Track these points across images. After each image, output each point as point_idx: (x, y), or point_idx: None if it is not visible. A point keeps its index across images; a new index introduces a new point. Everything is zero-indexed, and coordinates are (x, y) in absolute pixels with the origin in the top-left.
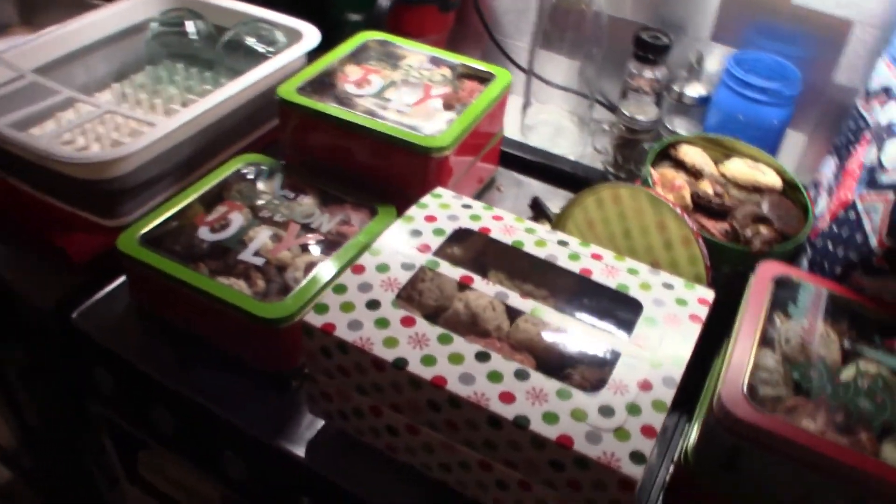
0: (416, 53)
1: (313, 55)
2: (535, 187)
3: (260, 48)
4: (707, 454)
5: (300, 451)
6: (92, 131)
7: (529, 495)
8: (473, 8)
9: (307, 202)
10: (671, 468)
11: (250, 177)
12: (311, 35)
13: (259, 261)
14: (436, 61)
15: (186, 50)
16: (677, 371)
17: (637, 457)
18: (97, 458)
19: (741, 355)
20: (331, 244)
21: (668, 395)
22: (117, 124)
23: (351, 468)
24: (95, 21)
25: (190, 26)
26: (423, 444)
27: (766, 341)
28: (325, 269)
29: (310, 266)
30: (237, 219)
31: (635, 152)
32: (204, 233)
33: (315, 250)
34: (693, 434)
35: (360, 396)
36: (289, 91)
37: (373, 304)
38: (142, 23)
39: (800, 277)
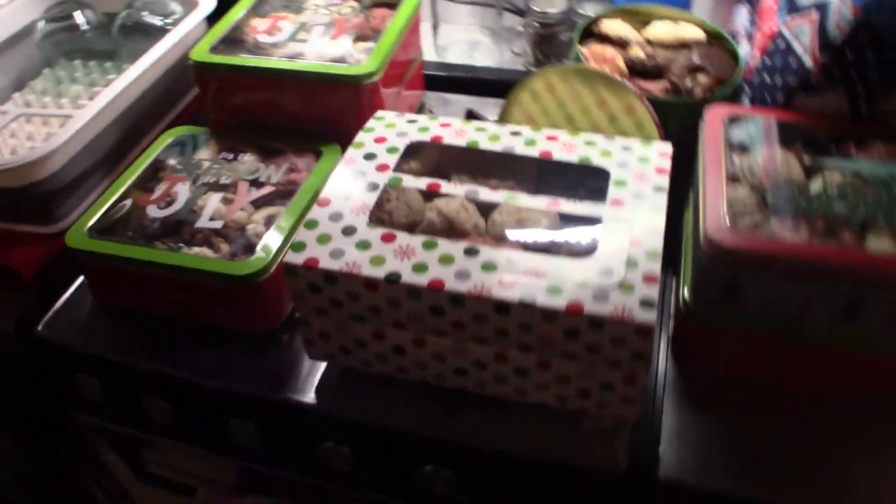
0: None
1: (212, 21)
2: (465, 102)
3: (157, 21)
4: (705, 294)
5: (309, 399)
6: (4, 144)
7: (550, 374)
8: None
9: (248, 159)
10: (671, 322)
11: (183, 149)
12: (206, 0)
13: (217, 224)
14: None
15: (81, 44)
16: (659, 220)
17: (647, 303)
18: (98, 479)
19: (714, 193)
20: (284, 194)
21: (657, 243)
22: (29, 133)
23: (365, 401)
24: None
25: (79, 17)
26: (433, 355)
27: (732, 178)
28: (287, 217)
29: (270, 218)
30: (182, 191)
31: (554, 46)
32: (153, 211)
33: (270, 202)
34: (685, 284)
35: (359, 325)
36: (202, 53)
37: (348, 231)
38: (28, 26)
39: (747, 113)
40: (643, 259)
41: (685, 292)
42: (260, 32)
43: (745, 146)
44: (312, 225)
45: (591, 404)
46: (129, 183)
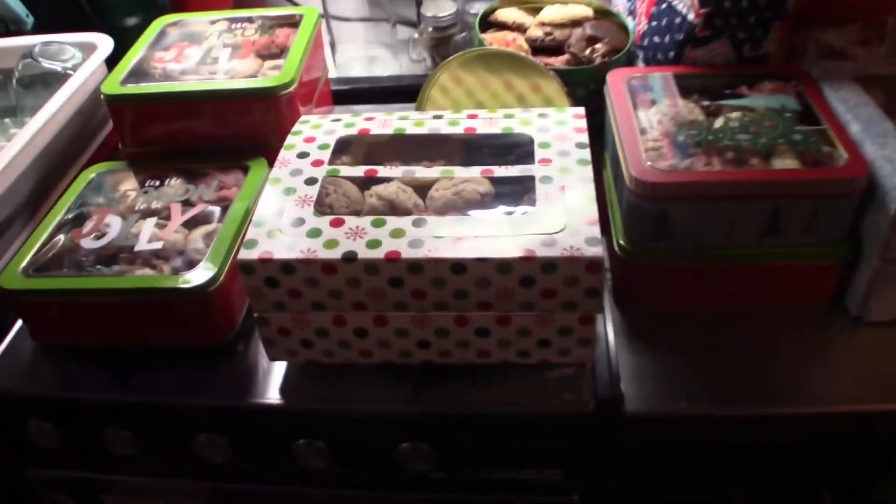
0: (217, 21)
1: (111, 63)
2: (375, 111)
3: (58, 67)
4: (638, 235)
5: (275, 400)
6: None
7: (510, 329)
8: None
9: (176, 183)
10: (610, 272)
11: (105, 184)
12: (104, 42)
13: (156, 245)
14: (239, 20)
15: None
16: (587, 170)
17: (592, 241)
18: None
19: (631, 143)
20: (221, 205)
21: (591, 191)
22: None
23: (332, 392)
24: None
25: None
26: (395, 331)
27: (642, 131)
28: (227, 228)
29: (209, 234)
30: (114, 221)
31: (450, 47)
32: (87, 243)
33: (205, 220)
34: (617, 235)
35: (319, 313)
36: (113, 86)
37: (297, 222)
38: None
39: (644, 72)
40: (580, 205)
41: (619, 240)
42: (168, 62)
43: (648, 101)
44: (260, 224)
45: (552, 353)
46: (56, 221)
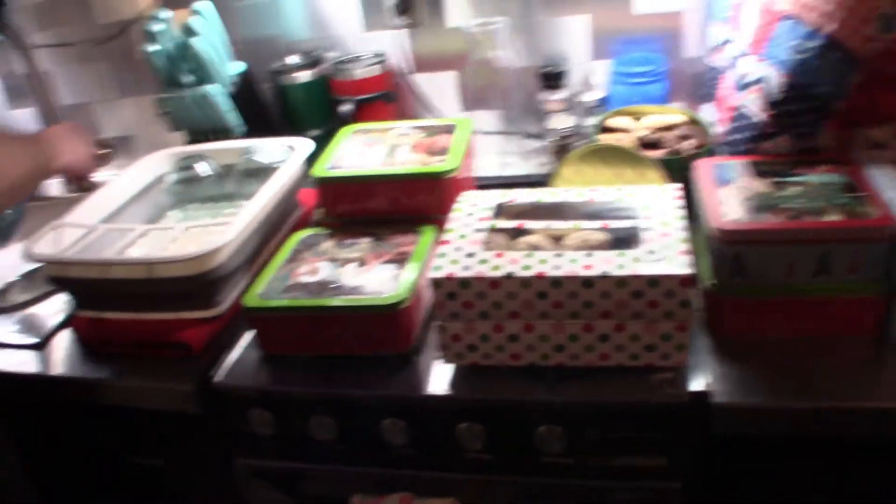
0: (389, 129)
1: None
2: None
3: (266, 162)
4: (720, 270)
5: (446, 392)
6: (175, 244)
7: (625, 334)
8: (411, 94)
9: (366, 240)
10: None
11: (311, 243)
12: (305, 144)
13: (358, 281)
14: (409, 127)
15: (201, 191)
16: (679, 221)
17: (684, 264)
18: None
19: (714, 206)
20: (402, 258)
21: (682, 234)
22: (181, 243)
23: (489, 386)
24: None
25: (201, 168)
26: (539, 337)
27: (721, 200)
28: (411, 268)
29: (395, 276)
30: (324, 266)
31: (569, 153)
32: (305, 278)
33: (392, 265)
34: (704, 277)
35: (483, 322)
36: (321, 170)
37: (470, 255)
38: (159, 176)
39: (726, 160)
40: (674, 243)
41: (708, 278)
42: (360, 155)
43: (728, 180)
44: (443, 255)
45: (655, 356)
46: (278, 265)
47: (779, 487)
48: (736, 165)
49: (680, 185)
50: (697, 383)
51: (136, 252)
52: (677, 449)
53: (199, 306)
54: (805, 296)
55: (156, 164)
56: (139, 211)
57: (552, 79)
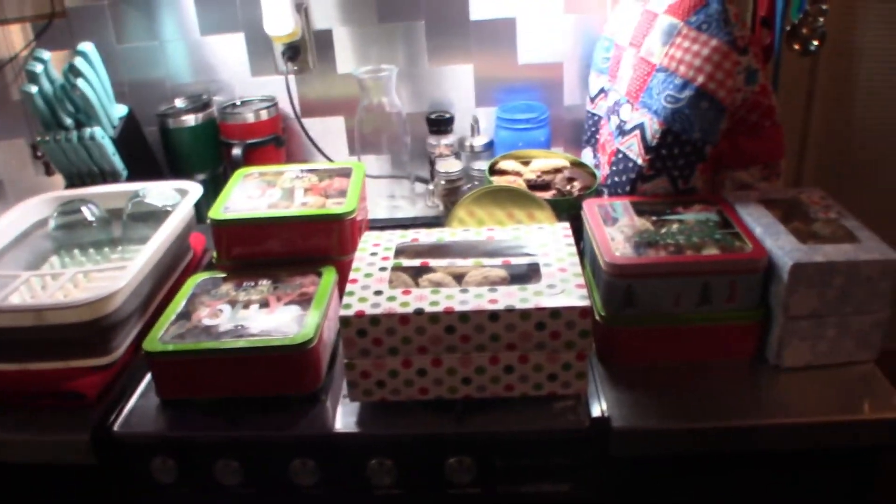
0: (284, 171)
1: None
2: None
3: (159, 205)
4: (611, 305)
5: (355, 429)
6: (61, 291)
7: (528, 365)
8: (306, 137)
9: (266, 283)
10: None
11: (209, 286)
12: (195, 188)
13: (263, 324)
14: (303, 171)
15: (87, 236)
16: (572, 256)
17: (582, 296)
18: None
19: (604, 242)
20: (304, 299)
21: (578, 269)
22: (67, 289)
23: (397, 422)
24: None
25: (87, 212)
26: (447, 370)
27: (610, 237)
28: (314, 310)
29: (300, 317)
30: (225, 308)
31: (457, 195)
32: (207, 321)
33: (295, 306)
34: (596, 308)
35: (392, 357)
36: (218, 213)
37: (378, 293)
38: (41, 220)
39: (609, 201)
40: (572, 277)
41: (599, 311)
42: (255, 199)
43: (613, 219)
44: (351, 294)
45: (557, 385)
46: (177, 311)
47: (672, 502)
48: (619, 205)
49: (568, 225)
50: (595, 410)
51: (18, 299)
52: (579, 474)
53: (93, 353)
54: (690, 324)
55: (35, 209)
56: (18, 256)
57: (440, 124)
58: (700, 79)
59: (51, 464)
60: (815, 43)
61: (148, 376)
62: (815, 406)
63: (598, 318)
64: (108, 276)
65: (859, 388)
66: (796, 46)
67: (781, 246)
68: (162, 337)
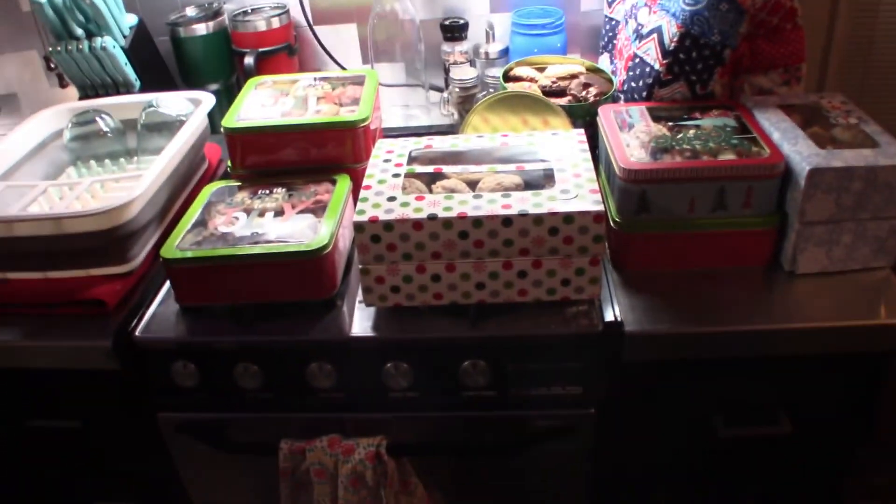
0: (297, 80)
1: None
2: None
3: (173, 115)
4: (625, 210)
5: (370, 333)
6: (78, 201)
7: (542, 270)
8: (319, 45)
9: (281, 191)
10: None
11: (224, 195)
12: (207, 98)
13: (279, 230)
14: (317, 79)
15: (103, 147)
16: (587, 162)
17: (596, 201)
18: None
19: (619, 147)
20: (319, 206)
21: (592, 175)
22: (84, 199)
23: (412, 326)
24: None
25: (101, 123)
26: (461, 275)
27: (625, 143)
28: (329, 216)
29: (314, 224)
30: (241, 216)
31: (473, 104)
32: (224, 228)
33: (309, 213)
34: (611, 213)
35: (406, 263)
36: (231, 121)
37: (391, 199)
38: (56, 132)
39: (625, 106)
40: (586, 183)
41: (613, 217)
42: (268, 107)
43: (629, 125)
44: (364, 200)
45: (570, 290)
46: (193, 219)
47: (681, 407)
48: (635, 111)
49: (583, 131)
50: (608, 314)
51: (37, 209)
52: (591, 377)
53: (112, 262)
54: (704, 230)
55: (51, 120)
56: (35, 168)
57: (454, 31)
58: None
59: (74, 369)
60: None
61: (167, 284)
62: (828, 311)
63: (612, 223)
64: (125, 186)
65: (873, 294)
66: None
67: (799, 151)
68: (179, 244)
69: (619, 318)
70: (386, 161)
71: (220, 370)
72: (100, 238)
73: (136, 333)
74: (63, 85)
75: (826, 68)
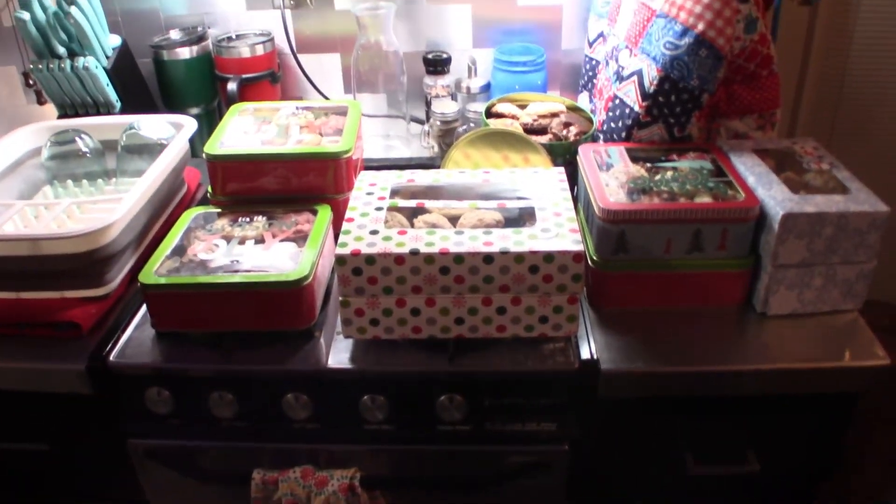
0: (280, 108)
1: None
2: None
3: (154, 138)
4: (603, 250)
5: (347, 365)
6: (54, 222)
7: (520, 308)
8: (302, 73)
9: (261, 219)
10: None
11: (205, 221)
12: (189, 122)
13: (258, 259)
14: (299, 108)
15: (80, 167)
16: (567, 201)
17: (576, 241)
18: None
19: (598, 187)
20: (300, 236)
21: (572, 214)
22: (61, 220)
23: (390, 359)
24: None
25: (80, 143)
26: (440, 310)
27: (605, 183)
28: (310, 246)
29: (295, 254)
30: (221, 243)
31: (453, 137)
32: (203, 255)
33: (290, 243)
34: (589, 252)
35: (387, 297)
36: (213, 148)
37: (374, 232)
38: (34, 149)
39: (605, 146)
40: (566, 222)
41: (592, 255)
42: (251, 134)
43: (607, 165)
44: (347, 232)
45: (548, 328)
46: (172, 244)
47: (654, 444)
48: (614, 151)
49: (563, 169)
50: (585, 352)
51: (12, 228)
52: (566, 413)
53: (88, 284)
54: (680, 270)
55: (28, 138)
56: (10, 186)
57: (436, 64)
58: (700, 26)
59: (46, 392)
60: None
61: (143, 309)
62: (798, 352)
63: (590, 262)
64: (103, 208)
65: (842, 336)
66: None
67: (773, 196)
68: (157, 270)
69: (595, 356)
70: (369, 194)
71: (194, 397)
72: (77, 260)
73: (111, 358)
74: (41, 102)
75: (798, 110)
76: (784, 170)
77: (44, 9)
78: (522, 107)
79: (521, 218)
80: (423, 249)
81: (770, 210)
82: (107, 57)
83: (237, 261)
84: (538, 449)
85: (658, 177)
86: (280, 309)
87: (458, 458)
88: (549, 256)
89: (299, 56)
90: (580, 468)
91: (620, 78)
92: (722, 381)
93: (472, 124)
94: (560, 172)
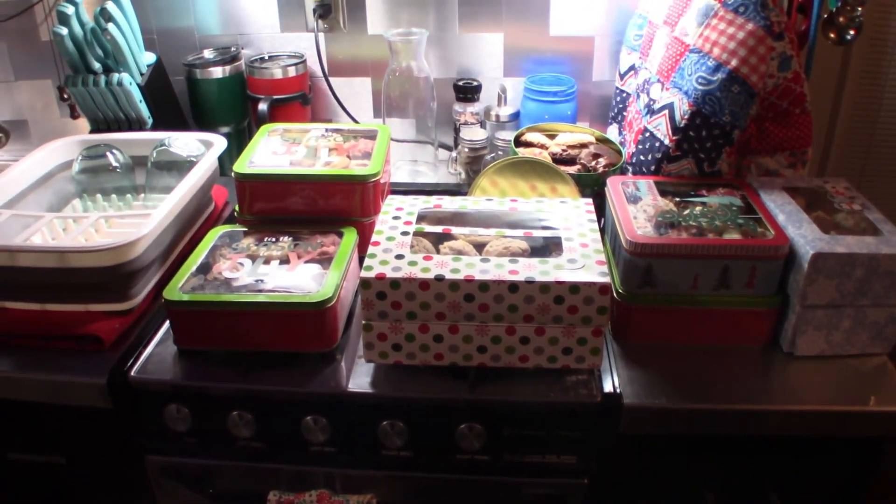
0: (309, 129)
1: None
2: None
3: (184, 155)
4: (630, 283)
5: (368, 389)
6: (82, 235)
7: (544, 338)
8: (333, 96)
9: (287, 240)
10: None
11: (230, 240)
12: (219, 140)
13: (282, 280)
14: (329, 130)
15: (111, 181)
16: (594, 233)
17: (602, 273)
18: None
19: (626, 220)
20: (325, 258)
21: (599, 245)
22: (88, 234)
23: (410, 385)
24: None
25: (111, 158)
26: (463, 337)
27: (633, 216)
28: (335, 269)
29: (319, 275)
30: (246, 262)
31: (481, 164)
32: (227, 273)
33: (315, 264)
34: (615, 285)
35: (410, 322)
36: (242, 167)
37: (399, 257)
38: (65, 162)
39: (634, 179)
40: (591, 253)
41: (618, 289)
42: (280, 154)
43: (636, 198)
44: (373, 256)
45: (571, 359)
46: (198, 262)
47: (674, 481)
48: (643, 184)
49: (591, 200)
50: (608, 385)
51: (40, 240)
52: (586, 447)
53: (112, 299)
54: (707, 307)
55: (60, 151)
56: (40, 198)
57: (467, 91)
58: (733, 62)
59: (65, 405)
60: (852, 32)
61: (165, 325)
62: (824, 395)
63: (615, 294)
64: (131, 223)
65: (869, 380)
66: (832, 35)
67: (804, 234)
68: (182, 286)
69: (618, 390)
70: (395, 218)
71: (213, 416)
72: (103, 274)
73: (132, 373)
74: (74, 116)
75: (829, 149)
76: (815, 209)
77: (81, 24)
78: (552, 136)
79: (548, 248)
80: (449, 276)
81: (800, 249)
82: (141, 74)
83: (261, 280)
84: (557, 482)
85: (687, 211)
86: (302, 330)
87: (476, 487)
88: (574, 287)
89: (331, 79)
90: (599, 503)
91: (651, 111)
92: (746, 420)
93: (500, 152)
94: (588, 203)
